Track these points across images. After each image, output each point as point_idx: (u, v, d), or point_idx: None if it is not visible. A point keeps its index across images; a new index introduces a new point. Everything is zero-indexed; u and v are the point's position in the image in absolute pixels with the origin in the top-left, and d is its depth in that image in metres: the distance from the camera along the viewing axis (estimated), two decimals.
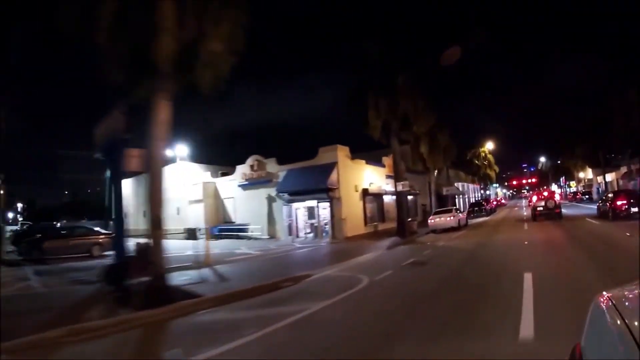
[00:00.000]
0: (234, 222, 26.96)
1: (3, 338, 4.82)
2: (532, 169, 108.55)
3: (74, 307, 7.06)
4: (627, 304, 1.23)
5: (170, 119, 7.91)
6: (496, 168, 59.40)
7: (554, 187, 76.21)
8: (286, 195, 22.24)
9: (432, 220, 21.66)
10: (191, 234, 28.59)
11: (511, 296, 5.83)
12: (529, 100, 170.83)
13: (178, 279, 9.32)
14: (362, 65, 19.19)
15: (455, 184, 46.13)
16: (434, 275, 8.72)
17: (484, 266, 9.36)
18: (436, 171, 31.08)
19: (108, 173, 8.99)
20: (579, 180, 61.20)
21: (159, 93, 7.66)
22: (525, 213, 31.75)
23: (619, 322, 1.08)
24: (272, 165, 23.96)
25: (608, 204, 18.13)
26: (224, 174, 29.29)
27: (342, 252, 15.30)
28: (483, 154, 55.41)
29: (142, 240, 8.68)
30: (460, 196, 48.89)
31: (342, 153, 21.08)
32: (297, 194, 21.46)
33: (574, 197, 51.51)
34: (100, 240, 16.81)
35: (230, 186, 27.20)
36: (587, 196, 44.74)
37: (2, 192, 20.52)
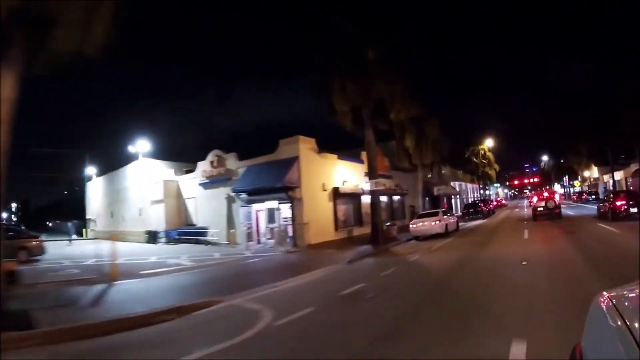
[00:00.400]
0: (195, 225, 23.83)
1: None
2: (535, 169, 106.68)
3: None
4: (627, 304, 1.22)
5: (16, 96, 6.32)
6: (496, 167, 56.58)
7: (557, 187, 73.53)
8: (244, 195, 19.03)
9: (414, 226, 18.10)
10: (151, 237, 25.59)
11: None
12: (531, 99, 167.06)
13: (47, 298, 7.93)
14: (327, 41, 15.96)
15: (452, 184, 43.07)
16: (368, 323, 5.52)
17: (451, 314, 5.64)
18: (428, 169, 27.90)
19: None
20: (583, 180, 58.23)
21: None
22: (525, 214, 28.96)
23: (619, 322, 1.07)
24: (232, 161, 20.74)
25: (607, 204, 18.16)
26: (188, 172, 25.94)
27: (289, 266, 12.16)
28: (482, 152, 52.15)
29: None
30: (457, 196, 45.86)
31: (305, 145, 17.54)
32: (256, 194, 18.23)
33: (579, 197, 48.36)
34: (28, 245, 15.90)
35: (191, 185, 24.02)
36: (593, 196, 41.98)
37: None
